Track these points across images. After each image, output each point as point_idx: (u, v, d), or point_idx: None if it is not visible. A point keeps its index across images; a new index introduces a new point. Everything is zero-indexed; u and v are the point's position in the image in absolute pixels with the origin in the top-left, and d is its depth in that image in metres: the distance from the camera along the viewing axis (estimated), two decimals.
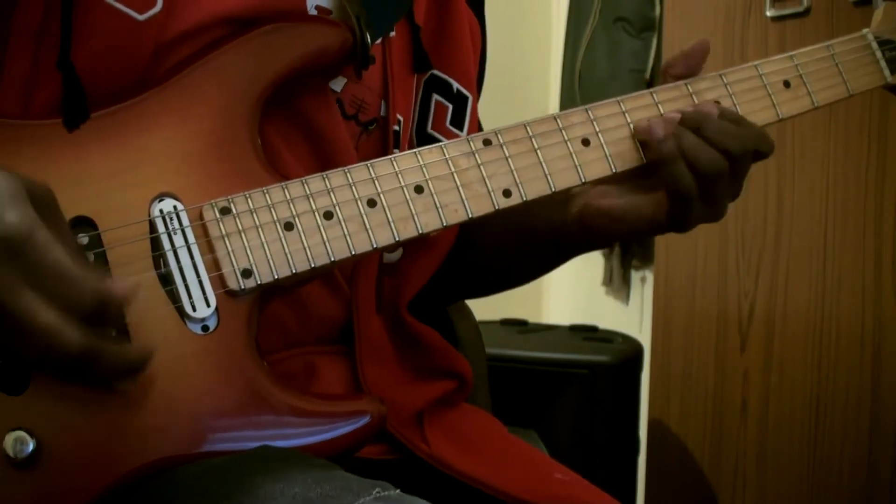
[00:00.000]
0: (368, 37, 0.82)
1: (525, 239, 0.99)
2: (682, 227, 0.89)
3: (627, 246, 2.73)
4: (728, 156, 0.84)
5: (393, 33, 0.90)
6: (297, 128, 0.84)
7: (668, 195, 0.86)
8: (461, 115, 0.95)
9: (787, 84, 0.92)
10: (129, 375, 0.68)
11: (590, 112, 0.86)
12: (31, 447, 0.67)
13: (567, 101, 2.71)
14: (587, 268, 2.79)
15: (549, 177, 0.83)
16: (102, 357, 0.64)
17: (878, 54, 0.96)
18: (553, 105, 2.90)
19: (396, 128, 0.89)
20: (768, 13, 1.85)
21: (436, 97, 0.94)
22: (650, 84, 2.54)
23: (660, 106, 0.87)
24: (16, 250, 0.61)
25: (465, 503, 0.85)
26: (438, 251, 0.94)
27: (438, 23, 0.94)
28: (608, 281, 2.76)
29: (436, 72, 0.94)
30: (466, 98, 0.95)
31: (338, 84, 0.86)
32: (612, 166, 0.86)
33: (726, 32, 1.92)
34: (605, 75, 2.59)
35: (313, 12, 0.84)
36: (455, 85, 0.94)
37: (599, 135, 0.85)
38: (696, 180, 0.84)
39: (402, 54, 0.91)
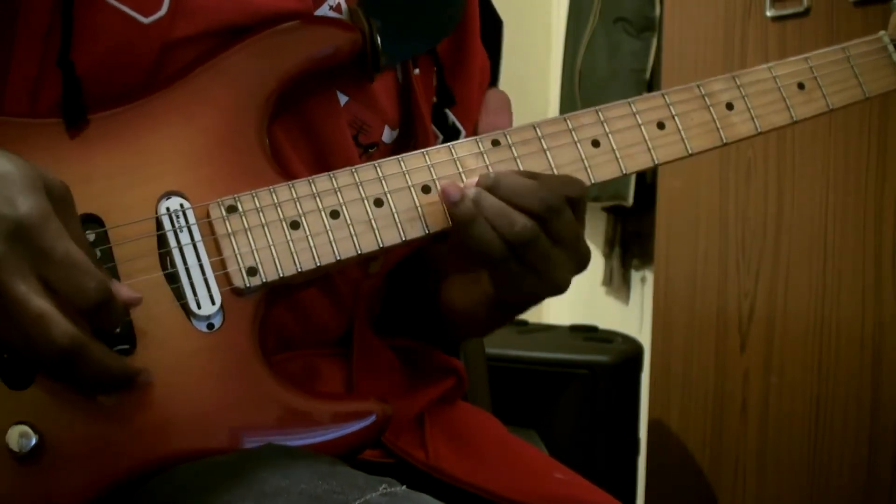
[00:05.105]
0: (380, 41, 0.81)
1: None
2: (511, 301, 0.85)
3: (627, 246, 2.73)
4: (534, 216, 0.76)
5: (417, 70, 0.89)
6: (303, 133, 0.83)
7: (481, 263, 0.81)
8: None
9: (801, 86, 0.91)
10: (112, 387, 0.68)
11: (600, 114, 0.85)
12: (33, 441, 0.67)
13: (567, 101, 2.70)
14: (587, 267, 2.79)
15: None
16: (88, 359, 0.63)
17: (895, 57, 0.95)
18: (553, 105, 2.90)
19: None
20: (768, 13, 1.85)
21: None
22: (650, 84, 2.55)
23: (671, 107, 0.86)
24: (27, 235, 0.60)
25: None
26: (380, 274, 0.92)
27: (453, 62, 0.94)
28: (608, 281, 2.76)
29: None
30: (459, 132, 0.94)
31: (339, 101, 0.85)
32: (623, 168, 0.85)
33: (726, 32, 1.92)
34: (605, 75, 2.59)
35: None
36: (451, 118, 0.94)
37: (609, 136, 0.85)
38: (507, 248, 0.77)
39: (425, 89, 0.91)
